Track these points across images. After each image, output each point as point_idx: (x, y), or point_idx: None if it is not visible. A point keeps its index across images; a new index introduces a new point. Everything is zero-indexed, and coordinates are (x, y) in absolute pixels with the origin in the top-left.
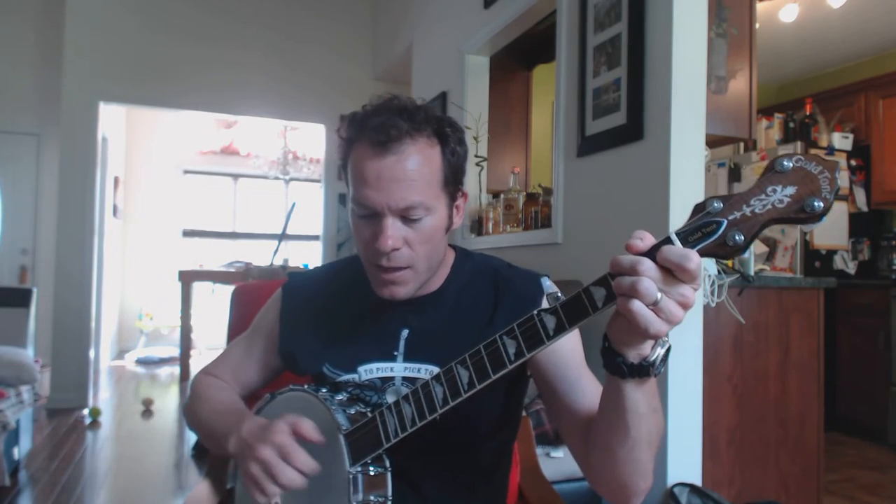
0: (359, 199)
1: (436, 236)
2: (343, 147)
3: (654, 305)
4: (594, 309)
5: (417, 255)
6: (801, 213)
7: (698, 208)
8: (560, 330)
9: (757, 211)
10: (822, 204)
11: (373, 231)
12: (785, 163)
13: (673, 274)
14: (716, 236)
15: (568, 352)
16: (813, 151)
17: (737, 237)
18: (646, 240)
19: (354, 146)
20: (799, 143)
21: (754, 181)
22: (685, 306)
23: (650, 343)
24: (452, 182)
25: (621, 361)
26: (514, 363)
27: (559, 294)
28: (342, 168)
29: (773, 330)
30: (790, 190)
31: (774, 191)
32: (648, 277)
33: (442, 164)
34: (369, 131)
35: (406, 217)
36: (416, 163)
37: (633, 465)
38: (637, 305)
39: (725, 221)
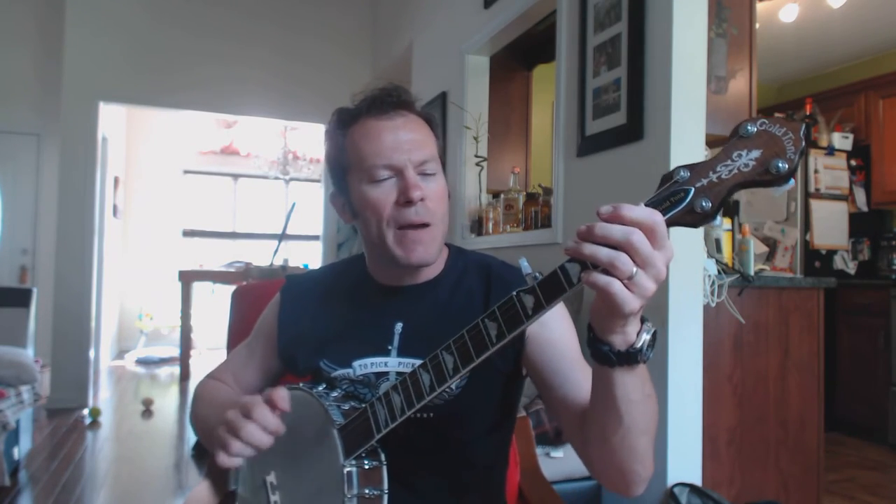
0: (376, 161)
1: (446, 197)
2: (336, 134)
3: (629, 280)
4: (570, 285)
5: (436, 213)
6: (767, 175)
7: (666, 178)
8: (538, 308)
9: (723, 176)
10: (786, 165)
11: (396, 190)
12: (749, 127)
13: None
14: (684, 204)
15: (562, 345)
16: (813, 151)
17: (704, 204)
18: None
19: (356, 123)
20: None
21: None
22: (658, 279)
23: (634, 328)
24: (442, 159)
25: (608, 350)
26: (496, 345)
27: (537, 274)
28: (331, 161)
29: (773, 330)
30: (755, 153)
31: (740, 155)
32: (642, 248)
33: (434, 136)
34: (369, 106)
35: (423, 172)
36: (419, 125)
37: (630, 452)
38: (616, 286)
39: (693, 189)
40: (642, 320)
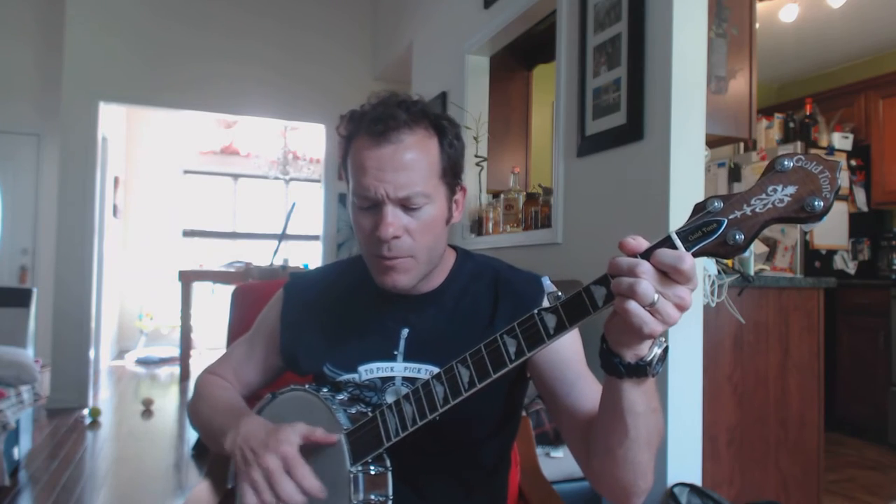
0: (359, 189)
1: (436, 227)
2: (343, 143)
3: (651, 306)
4: (594, 308)
5: (418, 245)
6: (802, 213)
7: (698, 208)
8: (560, 329)
9: (757, 210)
10: (822, 203)
11: (374, 221)
12: (786, 162)
13: (668, 276)
14: (716, 235)
15: (568, 353)
16: (813, 151)
17: (737, 236)
18: (638, 241)
19: (354, 140)
20: (799, 143)
21: (754, 181)
22: (681, 308)
23: (647, 343)
24: (451, 174)
25: (618, 362)
26: (514, 362)
27: (559, 293)
28: (342, 166)
29: (773, 330)
30: (790, 189)
31: (775, 190)
32: (646, 279)
33: (440, 156)
34: (368, 123)
35: (406, 206)
36: (415, 152)
37: (633, 465)
38: (634, 306)
39: (726, 221)
40: None
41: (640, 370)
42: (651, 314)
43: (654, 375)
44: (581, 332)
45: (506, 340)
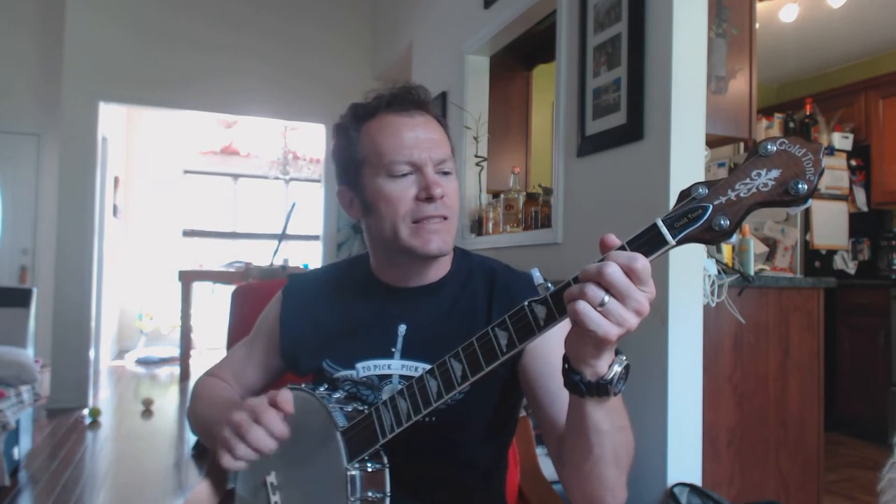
0: (397, 158)
1: (458, 195)
2: (351, 128)
3: (602, 307)
4: None
5: (453, 208)
6: (786, 196)
7: (683, 194)
8: (551, 319)
9: (742, 195)
10: (806, 186)
11: (416, 185)
12: (769, 146)
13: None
14: (701, 221)
15: (556, 363)
16: None
17: (722, 222)
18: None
19: (372, 120)
20: None
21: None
22: (638, 312)
23: (606, 359)
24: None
25: (579, 380)
26: (506, 354)
27: (549, 285)
28: (344, 151)
29: (773, 330)
30: (774, 173)
31: (759, 174)
32: (613, 280)
33: (448, 137)
34: (394, 99)
35: (441, 170)
36: (436, 125)
37: (599, 481)
38: (583, 306)
39: (711, 206)
40: (616, 352)
41: (601, 388)
42: (603, 315)
43: (615, 394)
44: None
45: (497, 333)
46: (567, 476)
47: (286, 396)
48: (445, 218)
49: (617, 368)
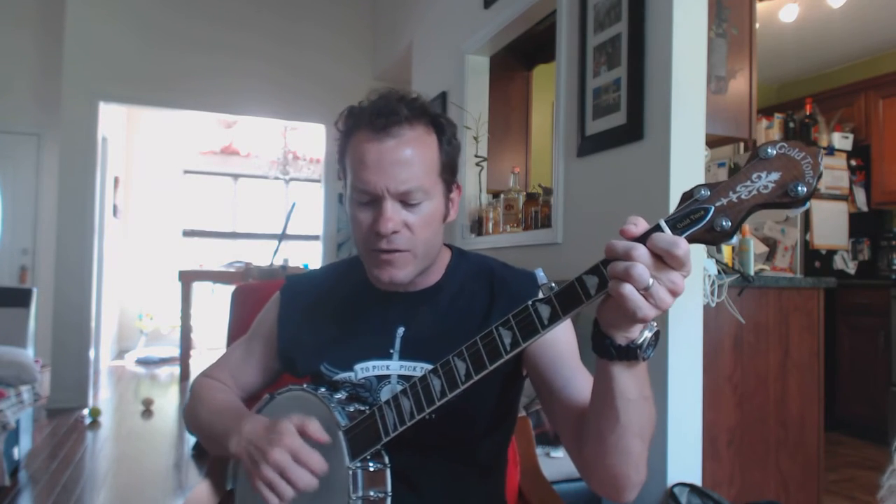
0: (359, 184)
1: (434, 223)
2: (341, 138)
3: (646, 290)
4: (587, 297)
5: (416, 240)
6: (786, 198)
7: (686, 196)
8: (554, 319)
9: (743, 197)
10: (805, 188)
11: (373, 216)
12: (769, 150)
13: (663, 260)
14: (703, 223)
15: (563, 348)
16: None
17: (724, 223)
18: (639, 225)
19: (354, 134)
20: None
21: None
22: (674, 293)
23: (639, 326)
24: (448, 171)
25: (609, 343)
26: (510, 353)
27: (553, 284)
28: (339, 160)
29: (773, 330)
30: (774, 176)
31: (759, 177)
32: (642, 263)
33: (439, 152)
34: (369, 117)
35: (405, 201)
36: (415, 148)
37: (624, 454)
38: (629, 289)
39: (713, 208)
40: None
41: (631, 353)
42: (645, 298)
43: (644, 359)
44: (576, 328)
45: (501, 332)
46: (589, 453)
47: (317, 427)
48: (398, 251)
49: (647, 334)
